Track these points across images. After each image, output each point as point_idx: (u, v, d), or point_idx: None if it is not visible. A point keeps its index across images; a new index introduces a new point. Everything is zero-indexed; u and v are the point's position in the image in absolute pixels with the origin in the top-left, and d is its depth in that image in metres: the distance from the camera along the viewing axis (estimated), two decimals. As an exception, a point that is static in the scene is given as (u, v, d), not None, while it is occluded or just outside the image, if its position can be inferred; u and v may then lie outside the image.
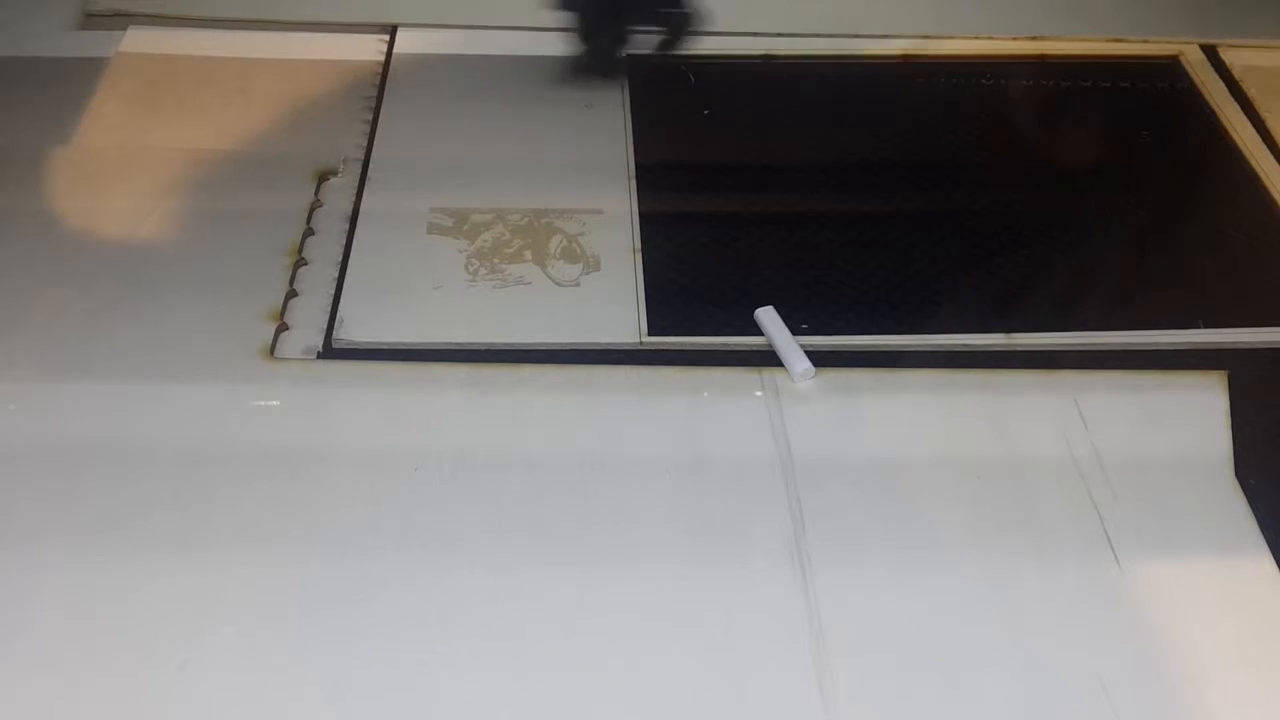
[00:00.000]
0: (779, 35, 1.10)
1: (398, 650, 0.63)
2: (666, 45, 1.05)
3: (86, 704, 0.60)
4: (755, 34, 1.10)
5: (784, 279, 0.86)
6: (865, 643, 0.64)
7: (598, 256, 0.87)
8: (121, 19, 1.08)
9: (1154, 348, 0.82)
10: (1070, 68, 1.09)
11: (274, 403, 0.75)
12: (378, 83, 1.03)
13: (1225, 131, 1.01)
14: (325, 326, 0.81)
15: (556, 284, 0.85)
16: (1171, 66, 1.09)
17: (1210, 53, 1.10)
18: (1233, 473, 0.73)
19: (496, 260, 0.86)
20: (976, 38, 1.11)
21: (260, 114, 0.99)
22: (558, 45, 1.04)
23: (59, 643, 0.63)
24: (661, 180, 0.94)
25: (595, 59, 1.03)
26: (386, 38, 1.08)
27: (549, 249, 0.87)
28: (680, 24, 1.04)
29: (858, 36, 1.10)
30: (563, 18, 1.00)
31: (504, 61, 1.06)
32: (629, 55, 1.05)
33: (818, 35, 1.10)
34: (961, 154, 0.99)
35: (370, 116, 0.99)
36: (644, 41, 1.04)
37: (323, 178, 0.93)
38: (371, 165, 0.95)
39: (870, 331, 0.82)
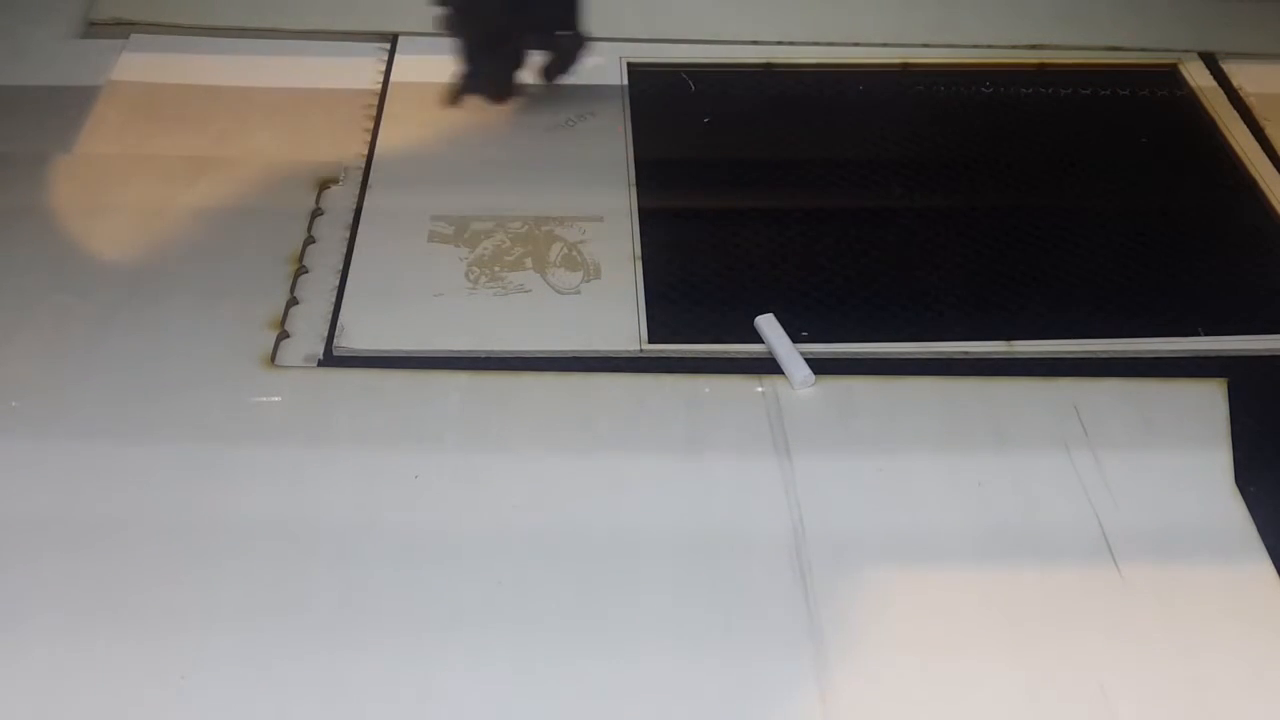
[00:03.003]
0: (780, 44, 1.10)
1: (397, 658, 0.63)
2: (556, 70, 1.02)
3: (85, 713, 0.60)
4: (756, 43, 1.10)
5: (784, 287, 0.86)
6: (865, 649, 0.64)
7: (598, 264, 0.87)
8: (124, 27, 1.09)
9: (1154, 355, 0.82)
10: (1069, 76, 1.09)
11: (274, 410, 0.75)
12: (379, 91, 1.03)
13: (1224, 139, 1.01)
14: (326, 334, 0.81)
15: (557, 291, 0.85)
16: (1170, 75, 1.10)
17: (1210, 61, 1.10)
18: (1233, 480, 0.73)
19: (497, 268, 0.86)
20: (976, 46, 1.11)
21: (261, 122, 0.99)
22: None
23: (56, 650, 0.62)
24: (662, 188, 0.95)
25: (480, 83, 1.00)
26: (388, 46, 1.08)
27: (549, 256, 0.87)
28: (570, 49, 1.01)
29: (858, 45, 1.11)
30: (450, 42, 0.97)
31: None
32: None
33: (818, 44, 1.11)
34: (961, 162, 1.00)
35: (371, 124, 1.00)
36: (532, 66, 1.01)
37: (323, 185, 0.93)
38: (372, 173, 0.95)
39: (870, 339, 0.82)
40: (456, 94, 1.00)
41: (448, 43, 0.97)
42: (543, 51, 1.01)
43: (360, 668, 0.62)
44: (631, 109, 1.03)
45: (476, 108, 1.01)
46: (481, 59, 0.98)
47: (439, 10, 0.94)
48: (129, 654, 0.62)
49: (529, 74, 1.02)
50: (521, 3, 0.96)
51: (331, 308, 0.83)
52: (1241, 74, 1.08)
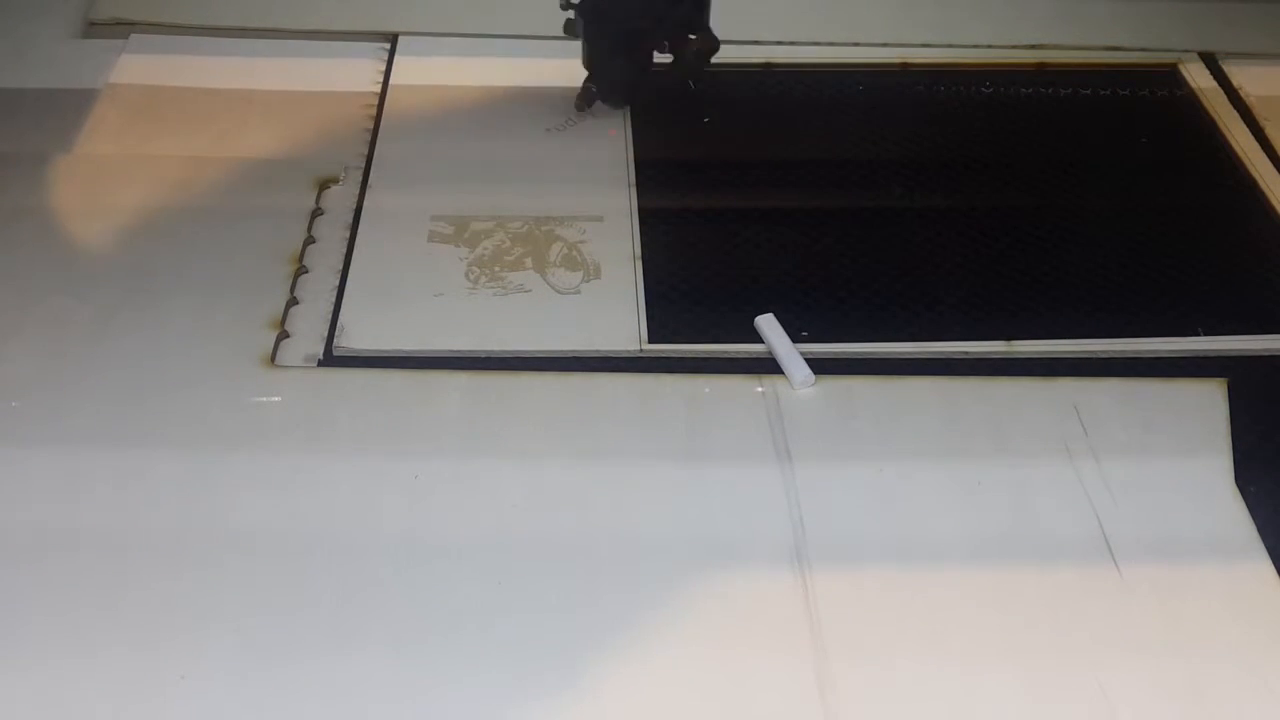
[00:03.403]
0: (779, 44, 1.10)
1: (397, 657, 0.63)
2: (684, 76, 1.02)
3: (84, 713, 0.60)
4: (755, 42, 1.10)
5: (784, 287, 0.86)
6: (865, 649, 0.64)
7: (598, 264, 0.87)
8: (124, 27, 1.09)
9: (1154, 355, 0.82)
10: (1069, 76, 1.09)
11: (274, 410, 0.75)
12: (379, 90, 1.03)
13: (1224, 139, 1.01)
14: (326, 334, 0.81)
15: (557, 291, 0.85)
16: (1171, 75, 1.09)
17: (1210, 61, 1.10)
18: (1233, 479, 0.73)
19: (497, 268, 0.86)
20: (976, 46, 1.11)
21: (261, 121, 0.99)
22: (559, 53, 1.04)
23: (56, 649, 0.63)
24: (662, 187, 0.95)
25: (608, 90, 1.00)
26: (388, 45, 1.08)
27: (549, 256, 0.87)
28: (698, 56, 1.01)
29: (858, 45, 1.11)
30: (576, 47, 0.98)
31: (505, 69, 1.06)
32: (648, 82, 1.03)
33: (818, 44, 1.11)
34: (961, 162, 1.00)
35: (371, 124, 1.00)
36: (661, 71, 1.01)
37: (324, 185, 0.93)
38: (372, 172, 0.95)
39: (870, 339, 0.82)
40: (587, 98, 1.01)
41: (574, 48, 0.98)
42: (673, 54, 1.01)
43: (360, 667, 0.62)
44: (631, 108, 1.03)
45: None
46: (612, 63, 0.98)
47: (568, 15, 0.94)
48: (129, 654, 0.62)
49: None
50: (651, 7, 0.96)
51: (331, 308, 0.83)
52: (1241, 74, 1.08)
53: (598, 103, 1.01)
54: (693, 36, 1.00)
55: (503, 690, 0.62)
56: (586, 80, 1.00)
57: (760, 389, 0.78)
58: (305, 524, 0.69)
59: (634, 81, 1.01)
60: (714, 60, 1.08)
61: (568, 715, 0.61)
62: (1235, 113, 1.04)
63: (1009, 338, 0.82)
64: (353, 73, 1.05)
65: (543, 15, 1.00)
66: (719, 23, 1.11)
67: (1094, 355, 0.81)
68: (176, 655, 0.62)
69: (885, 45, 1.11)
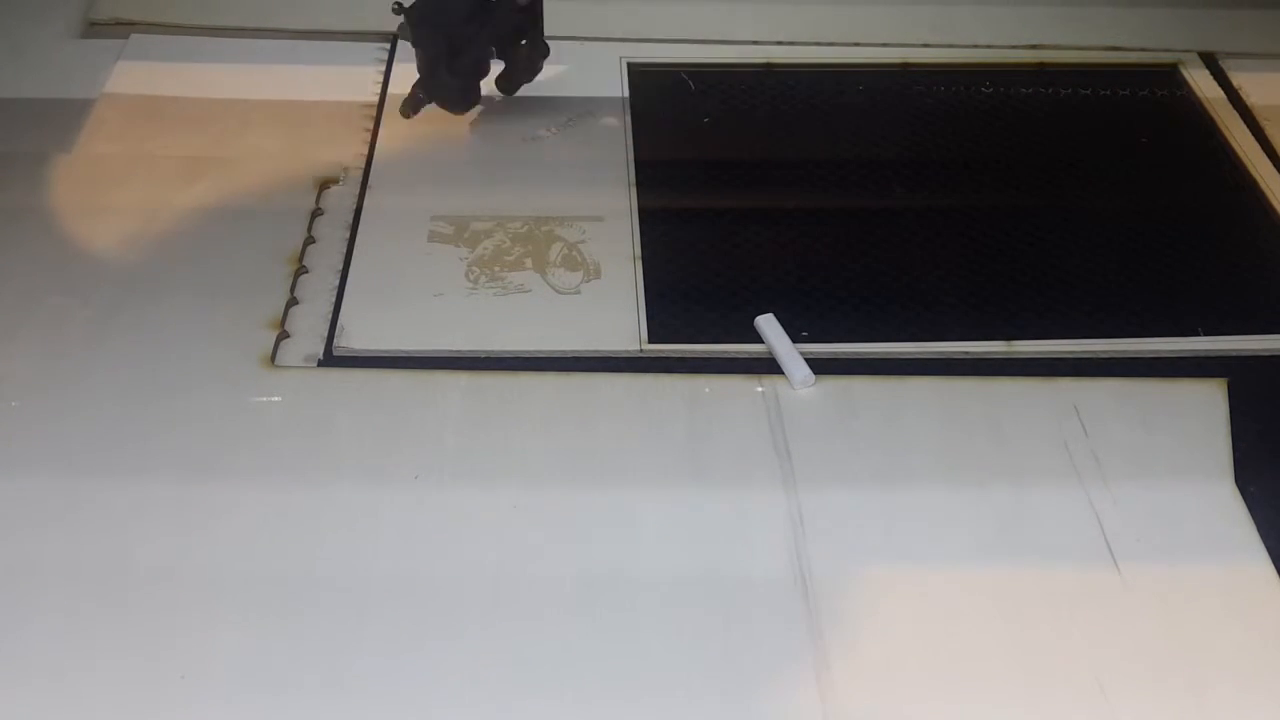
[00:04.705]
0: (779, 44, 1.10)
1: (396, 656, 0.63)
2: (515, 81, 1.02)
3: (86, 713, 0.60)
4: (756, 42, 1.10)
5: (784, 287, 0.86)
6: (866, 648, 0.64)
7: (598, 264, 0.87)
8: (123, 27, 1.09)
9: (1154, 355, 0.82)
10: (1069, 76, 1.09)
11: (274, 411, 0.75)
12: (379, 91, 1.03)
13: (1224, 139, 1.01)
14: (326, 334, 0.81)
15: (557, 291, 0.85)
16: (1171, 75, 1.10)
17: (1210, 62, 1.10)
18: (1233, 480, 0.73)
19: (497, 268, 0.86)
20: (976, 46, 1.11)
21: (261, 121, 0.99)
22: (558, 56, 1.04)
23: (58, 651, 0.63)
24: (662, 187, 0.95)
25: (439, 92, 0.98)
26: (388, 46, 1.08)
27: (549, 256, 0.87)
28: (530, 59, 1.00)
29: (858, 45, 1.11)
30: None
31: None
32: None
33: (818, 44, 1.11)
34: (961, 162, 1.00)
35: (371, 124, 1.00)
36: (491, 77, 1.00)
37: (323, 186, 0.93)
38: (372, 173, 0.95)
39: (870, 339, 0.82)
40: (414, 104, 0.98)
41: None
42: (502, 62, 1.00)
43: (359, 666, 0.62)
44: (631, 109, 1.03)
45: (440, 118, 0.99)
46: (441, 69, 0.97)
47: (399, 20, 0.93)
48: (129, 652, 0.62)
49: (489, 84, 1.01)
50: (482, 13, 0.95)
51: (331, 308, 0.83)
52: (1242, 75, 1.08)
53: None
54: (524, 42, 0.99)
55: (502, 689, 0.62)
56: (415, 85, 0.97)
57: (760, 389, 0.78)
58: (305, 523, 0.69)
59: (465, 87, 0.99)
60: (715, 61, 1.08)
61: (568, 710, 0.61)
62: (1235, 113, 1.04)
63: (1009, 338, 0.82)
64: (353, 73, 1.05)
65: (545, 18, 1.00)
66: (720, 23, 1.11)
67: (1094, 355, 0.81)
68: (177, 654, 0.62)
69: (885, 45, 1.11)
